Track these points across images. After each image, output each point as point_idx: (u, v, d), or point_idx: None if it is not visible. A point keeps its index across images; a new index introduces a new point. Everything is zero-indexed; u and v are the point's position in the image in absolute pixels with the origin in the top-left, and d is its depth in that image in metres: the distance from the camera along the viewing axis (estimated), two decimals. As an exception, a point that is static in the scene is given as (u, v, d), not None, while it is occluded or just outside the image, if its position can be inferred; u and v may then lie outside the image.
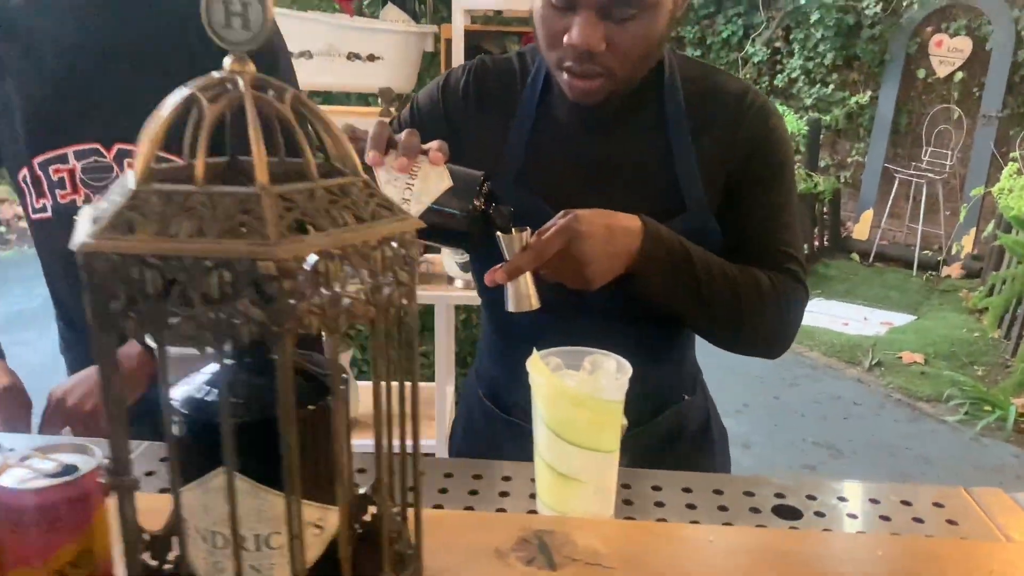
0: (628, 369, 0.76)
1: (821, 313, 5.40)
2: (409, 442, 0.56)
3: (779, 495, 0.83)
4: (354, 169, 0.49)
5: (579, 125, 1.08)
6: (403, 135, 0.88)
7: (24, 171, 1.14)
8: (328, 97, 2.54)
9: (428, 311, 2.53)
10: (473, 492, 0.83)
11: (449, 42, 2.20)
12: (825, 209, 6.83)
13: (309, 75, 2.25)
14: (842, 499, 0.83)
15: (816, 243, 6.75)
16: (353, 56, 2.25)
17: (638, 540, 0.70)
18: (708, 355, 1.22)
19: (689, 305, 1.00)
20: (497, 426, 1.21)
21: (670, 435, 1.17)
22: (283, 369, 0.44)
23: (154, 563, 0.56)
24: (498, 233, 0.87)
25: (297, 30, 2.21)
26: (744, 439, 3.69)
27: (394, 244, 0.48)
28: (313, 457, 0.52)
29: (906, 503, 0.82)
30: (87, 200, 1.13)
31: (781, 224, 1.07)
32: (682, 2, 0.99)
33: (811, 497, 0.83)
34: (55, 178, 1.13)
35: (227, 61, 0.48)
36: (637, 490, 0.84)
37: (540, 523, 0.72)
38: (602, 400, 0.73)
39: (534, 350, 0.75)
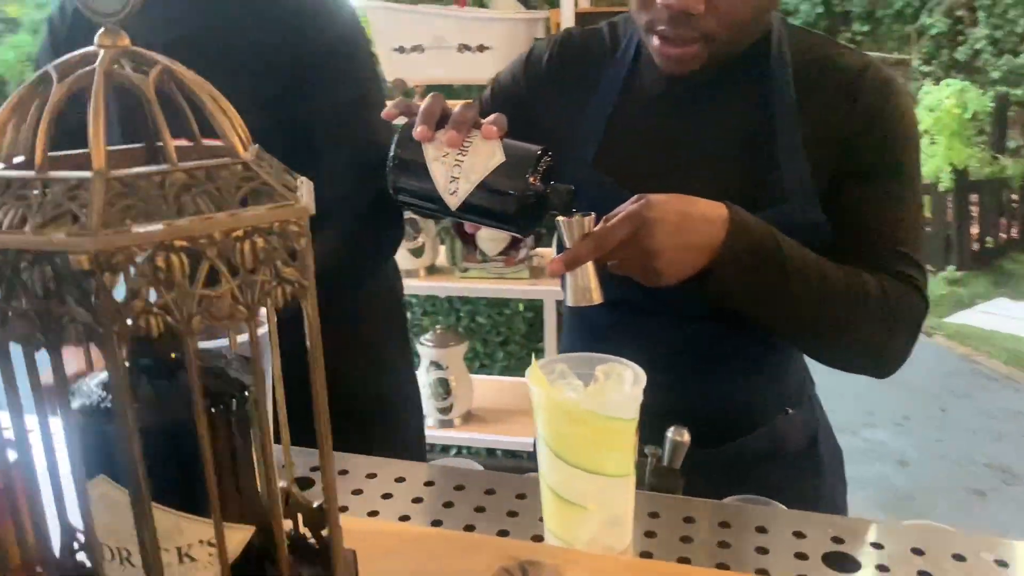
0: (643, 380, 0.66)
1: (1004, 315, 4.85)
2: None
3: (836, 539, 0.69)
4: (231, 151, 0.43)
5: (668, 100, 0.98)
6: (457, 107, 0.82)
7: None
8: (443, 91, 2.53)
9: (537, 307, 2.47)
10: (480, 509, 0.75)
11: (560, 27, 2.12)
12: (1014, 196, 6.14)
13: (421, 69, 2.25)
14: (917, 551, 0.68)
15: (1003, 235, 6.08)
16: (463, 47, 2.22)
17: (631, 583, 0.60)
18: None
19: (775, 310, 0.87)
20: None
21: (767, 453, 1.05)
22: (115, 372, 0.38)
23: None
24: (558, 218, 0.78)
25: (408, 23, 2.21)
26: (901, 455, 3.36)
27: (272, 235, 0.41)
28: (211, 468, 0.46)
29: (1002, 564, 0.66)
30: None
31: (897, 219, 0.92)
32: None
33: (877, 545, 0.69)
34: None
35: (99, 35, 0.43)
36: (666, 520, 0.73)
37: (530, 552, 0.63)
38: (605, 417, 0.63)
39: (533, 357, 0.66)
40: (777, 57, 0.94)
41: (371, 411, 1.28)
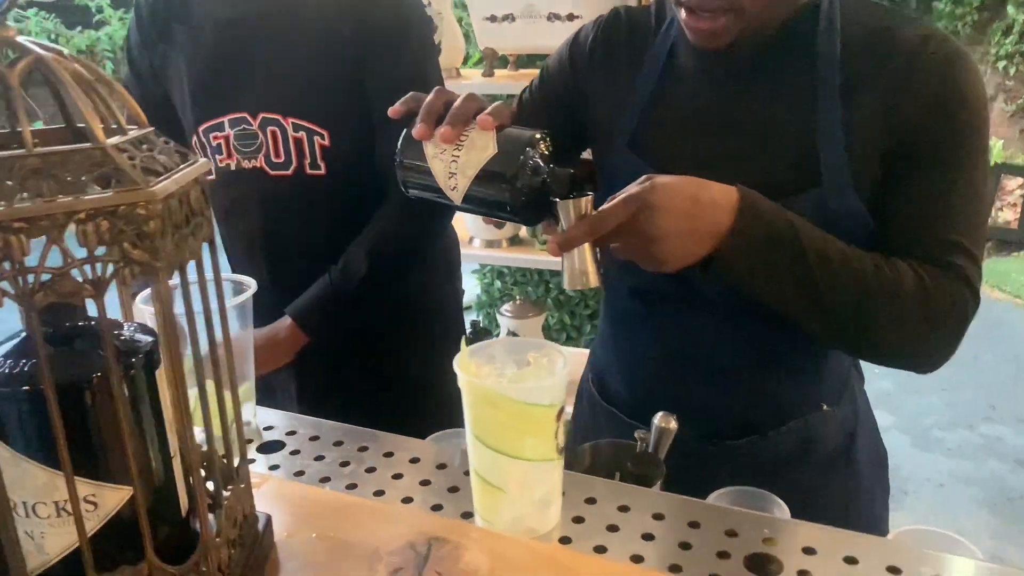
0: (565, 368, 0.65)
1: None
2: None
3: (768, 539, 0.66)
4: (92, 137, 0.46)
5: (708, 80, 0.93)
6: (457, 100, 0.80)
7: (193, 138, 1.27)
8: (533, 58, 2.51)
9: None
10: (425, 482, 0.77)
11: (646, -3, 2.06)
12: None
13: (512, 39, 2.25)
14: (851, 560, 0.64)
15: None
16: (553, 16, 2.20)
17: (530, 566, 0.60)
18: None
19: (795, 300, 0.82)
20: (599, 414, 1.13)
21: (797, 451, 1.01)
22: (-37, 343, 0.43)
23: None
24: (555, 199, 0.77)
25: (499, -7, 2.21)
26: (1019, 454, 3.11)
27: (118, 218, 0.44)
28: (85, 430, 0.50)
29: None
30: (238, 164, 1.23)
31: (950, 205, 0.84)
32: None
33: (809, 551, 0.65)
34: (214, 144, 1.24)
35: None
36: (600, 508, 0.73)
37: (442, 529, 0.65)
38: (521, 402, 0.63)
39: (463, 343, 0.67)
40: (825, 32, 0.87)
41: (424, 388, 1.32)
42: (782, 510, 0.76)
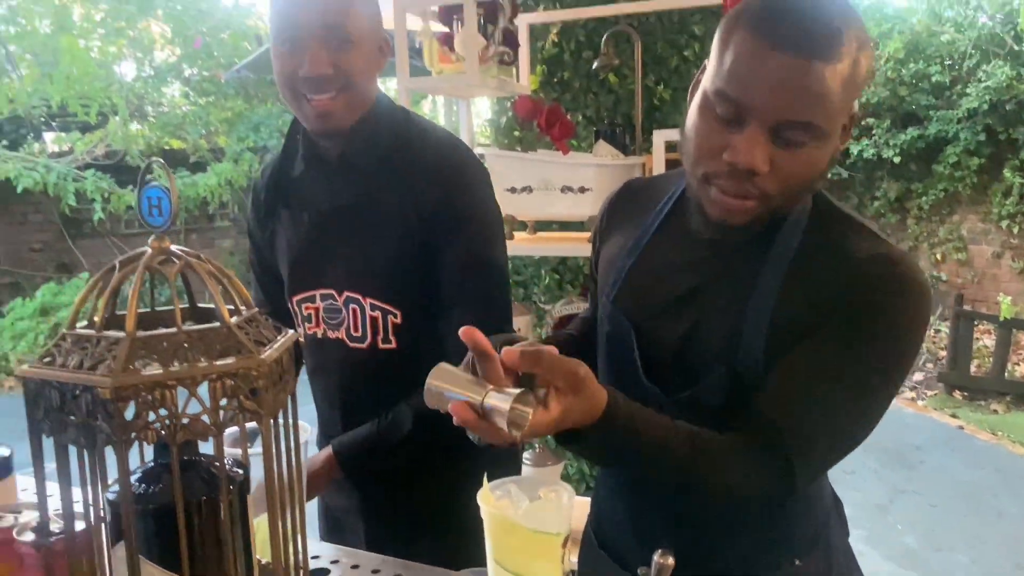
0: (571, 502, 0.79)
1: None
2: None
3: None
4: (220, 319, 0.64)
5: (682, 251, 1.03)
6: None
7: (288, 305, 1.43)
8: (543, 225, 2.75)
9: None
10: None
11: (651, 172, 2.31)
12: None
13: (530, 208, 2.50)
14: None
15: None
16: (566, 189, 2.45)
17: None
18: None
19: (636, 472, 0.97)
20: (591, 557, 1.18)
21: None
22: (122, 471, 0.58)
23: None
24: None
25: (520, 168, 2.48)
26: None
27: (230, 378, 0.61)
28: (200, 541, 0.65)
29: None
30: (324, 334, 1.38)
31: (804, 393, 0.90)
32: (844, 141, 0.93)
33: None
34: (305, 313, 1.40)
35: (150, 240, 0.66)
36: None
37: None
38: (532, 531, 0.77)
39: (484, 480, 0.81)
40: (791, 225, 0.95)
41: (449, 518, 1.36)
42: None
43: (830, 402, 0.90)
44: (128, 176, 7.66)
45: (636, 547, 1.06)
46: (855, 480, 4.20)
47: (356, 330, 1.32)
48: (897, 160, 7.47)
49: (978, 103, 6.93)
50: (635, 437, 0.84)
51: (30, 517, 0.74)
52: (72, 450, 0.62)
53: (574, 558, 0.80)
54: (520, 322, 2.52)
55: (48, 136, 8.63)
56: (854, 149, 7.74)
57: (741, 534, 1.04)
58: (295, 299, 1.39)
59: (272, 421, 0.66)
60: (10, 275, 7.84)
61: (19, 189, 6.91)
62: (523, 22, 2.57)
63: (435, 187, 1.26)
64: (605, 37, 2.49)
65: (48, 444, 0.62)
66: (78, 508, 0.64)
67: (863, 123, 7.68)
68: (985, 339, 6.58)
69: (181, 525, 0.61)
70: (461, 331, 0.77)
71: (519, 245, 2.50)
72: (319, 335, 1.37)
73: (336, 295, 1.34)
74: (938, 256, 7.62)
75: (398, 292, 1.29)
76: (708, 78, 0.91)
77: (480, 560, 0.96)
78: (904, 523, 3.63)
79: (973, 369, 6.04)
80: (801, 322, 0.92)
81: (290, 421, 0.70)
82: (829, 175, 1.00)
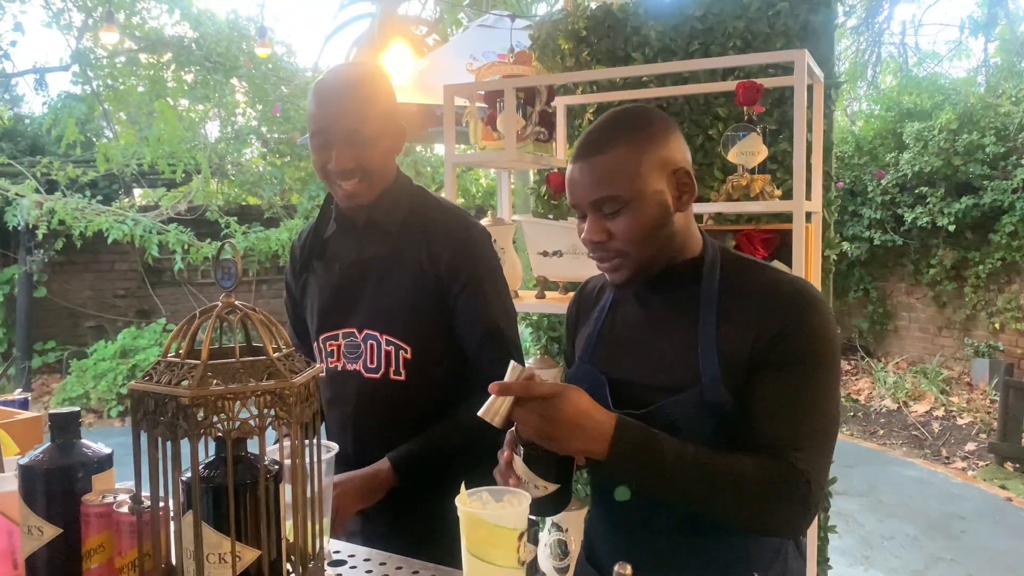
0: (525, 504, 1.02)
1: None
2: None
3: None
4: (267, 354, 0.90)
5: (627, 309, 1.31)
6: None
7: (316, 343, 1.68)
8: (572, 285, 2.99)
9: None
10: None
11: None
12: None
13: (560, 270, 2.75)
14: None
15: None
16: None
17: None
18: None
19: (662, 492, 1.14)
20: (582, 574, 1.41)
21: None
22: (194, 457, 0.85)
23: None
24: (511, 362, 1.15)
25: (551, 234, 2.74)
26: None
27: (270, 395, 0.87)
28: (244, 514, 0.91)
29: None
30: (343, 367, 1.61)
31: (790, 413, 1.14)
32: (686, 200, 1.21)
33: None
34: (329, 350, 1.64)
35: (221, 297, 0.93)
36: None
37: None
38: (491, 524, 1.00)
39: (462, 487, 1.05)
40: (708, 271, 1.22)
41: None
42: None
43: (816, 423, 1.15)
44: (207, 229, 8.23)
45: (612, 563, 1.24)
46: (893, 546, 4.22)
47: (372, 362, 1.56)
48: (952, 228, 7.49)
49: (1034, 174, 6.94)
50: (659, 448, 1.11)
51: (125, 497, 1.00)
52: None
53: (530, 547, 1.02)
54: (548, 374, 2.75)
55: (136, 192, 9.31)
56: (908, 217, 7.78)
57: (710, 549, 1.23)
58: (321, 338, 1.64)
59: (299, 427, 0.92)
60: (96, 319, 8.42)
61: (109, 240, 7.49)
62: (561, 103, 2.86)
63: (447, 247, 1.53)
64: (632, 118, 2.75)
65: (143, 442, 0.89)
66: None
67: (916, 191, 7.74)
68: (1042, 410, 6.47)
69: (231, 499, 0.87)
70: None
71: (551, 304, 2.74)
72: (339, 368, 1.61)
73: (357, 332, 1.58)
74: (996, 325, 7.55)
75: (411, 331, 1.54)
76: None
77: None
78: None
79: (1024, 441, 5.96)
80: (743, 351, 1.16)
81: (316, 429, 0.95)
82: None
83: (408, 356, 1.54)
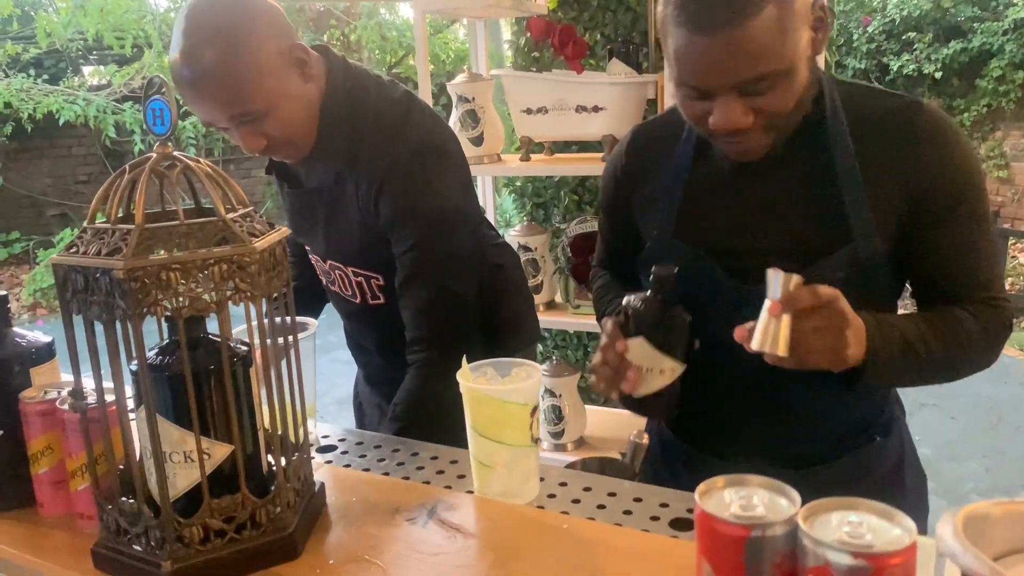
0: (537, 377, 0.89)
1: None
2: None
3: (691, 510, 0.88)
4: (218, 214, 0.73)
5: (736, 173, 1.08)
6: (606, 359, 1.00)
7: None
8: (564, 145, 2.80)
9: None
10: (461, 476, 1.01)
11: (663, 89, 2.34)
12: None
13: (546, 128, 2.55)
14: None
15: None
16: (580, 108, 2.49)
17: (503, 519, 0.83)
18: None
19: (911, 379, 1.07)
20: (669, 450, 1.26)
21: (853, 477, 1.14)
22: (138, 341, 0.69)
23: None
24: (768, 269, 0.88)
25: (535, 88, 2.52)
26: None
27: (227, 263, 0.71)
28: (209, 406, 0.77)
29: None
30: (330, 288, 1.51)
31: (974, 252, 1.04)
32: (821, 37, 0.97)
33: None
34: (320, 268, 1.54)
35: (155, 146, 0.76)
36: (568, 489, 0.96)
37: (448, 496, 0.89)
38: (500, 400, 0.88)
39: (463, 361, 0.92)
40: (833, 117, 1.02)
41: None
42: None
43: (992, 252, 1.07)
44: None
45: (724, 436, 1.16)
46: (877, 396, 4.26)
47: (347, 290, 1.45)
48: (939, 76, 7.26)
49: (1026, 13, 6.67)
50: (906, 340, 0.99)
51: (68, 391, 0.86)
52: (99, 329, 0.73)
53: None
54: (536, 241, 2.61)
55: (86, 70, 8.77)
56: (894, 65, 7.52)
57: (834, 418, 1.14)
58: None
59: (265, 302, 0.77)
60: (59, 207, 8.11)
61: (61, 122, 7.09)
62: (539, -59, 2.58)
63: (373, 184, 1.31)
64: (619, -47, 2.49)
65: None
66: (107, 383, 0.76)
67: (903, 37, 7.44)
68: (1021, 257, 6.50)
69: (190, 389, 0.72)
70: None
71: (537, 166, 2.57)
72: (330, 288, 1.52)
73: (322, 261, 1.46)
74: (979, 174, 7.46)
75: (373, 262, 1.39)
76: (667, 65, 0.98)
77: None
78: (921, 434, 3.71)
79: (1007, 286, 5.99)
80: (895, 200, 1.01)
81: (290, 304, 0.80)
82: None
83: (381, 283, 1.41)
